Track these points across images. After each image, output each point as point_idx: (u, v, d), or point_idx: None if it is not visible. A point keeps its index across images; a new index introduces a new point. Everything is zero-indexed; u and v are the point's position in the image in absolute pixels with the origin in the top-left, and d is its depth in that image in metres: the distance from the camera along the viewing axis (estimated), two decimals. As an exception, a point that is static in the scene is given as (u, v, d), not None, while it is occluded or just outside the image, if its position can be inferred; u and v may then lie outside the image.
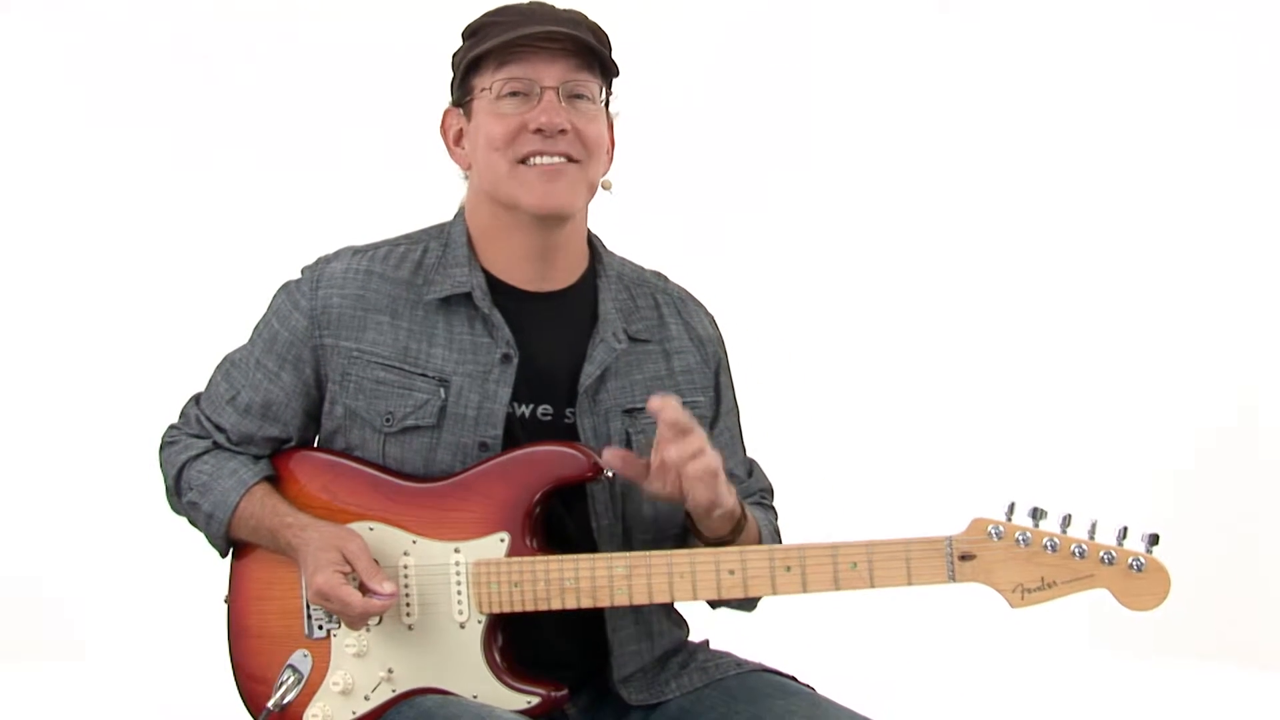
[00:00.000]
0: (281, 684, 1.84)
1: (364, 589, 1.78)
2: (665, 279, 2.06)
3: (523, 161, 1.84)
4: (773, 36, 4.48)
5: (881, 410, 4.40)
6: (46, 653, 3.92)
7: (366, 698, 1.85)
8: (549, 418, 1.89)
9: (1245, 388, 4.22)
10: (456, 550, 1.83)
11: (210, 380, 2.02)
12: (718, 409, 2.02)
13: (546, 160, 1.83)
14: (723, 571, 1.78)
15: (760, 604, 1.96)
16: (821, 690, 1.91)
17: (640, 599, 1.80)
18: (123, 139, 4.28)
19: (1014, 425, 4.34)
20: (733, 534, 1.85)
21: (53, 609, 4.07)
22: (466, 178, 1.96)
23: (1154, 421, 4.26)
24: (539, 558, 1.81)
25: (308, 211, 4.15)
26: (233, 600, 1.96)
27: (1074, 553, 1.71)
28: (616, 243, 2.04)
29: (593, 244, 2.00)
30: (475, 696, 1.82)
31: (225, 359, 2.01)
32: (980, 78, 4.44)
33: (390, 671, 1.85)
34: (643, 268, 2.06)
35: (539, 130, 1.82)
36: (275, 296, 1.97)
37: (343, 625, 1.84)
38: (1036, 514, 1.73)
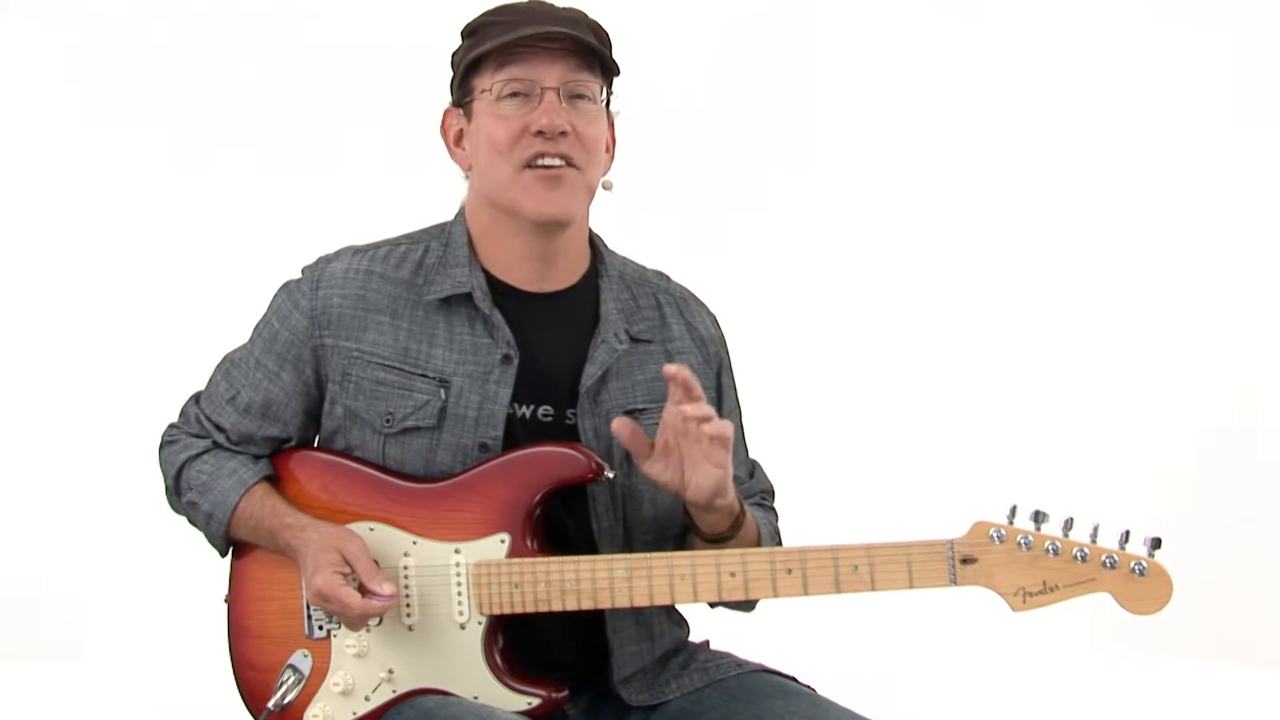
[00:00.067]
0: (282, 684, 1.84)
1: (364, 590, 1.78)
2: (667, 278, 2.06)
3: (527, 166, 1.83)
4: (773, 36, 4.48)
5: (883, 412, 4.39)
6: (46, 653, 3.92)
7: (367, 698, 1.85)
8: (550, 419, 1.89)
9: (1245, 388, 4.22)
10: (457, 551, 1.83)
11: (210, 379, 2.02)
12: (720, 410, 2.01)
13: (548, 162, 1.83)
14: (724, 574, 1.78)
15: (760, 605, 1.96)
16: (822, 691, 1.91)
17: (641, 601, 1.79)
18: (123, 139, 4.28)
19: (1015, 426, 4.34)
20: (731, 530, 1.85)
21: (53, 609, 4.07)
22: (467, 178, 1.96)
23: (1154, 422, 4.26)
24: (539, 559, 1.81)
25: (308, 211, 4.14)
26: (233, 600, 1.95)
27: (1076, 556, 1.71)
28: (617, 242, 2.04)
29: (594, 243, 2.00)
30: (476, 697, 1.81)
31: (225, 358, 2.01)
32: (980, 78, 4.44)
33: (391, 672, 1.85)
34: (644, 267, 2.05)
35: (540, 132, 1.82)
36: (276, 296, 1.97)
37: (343, 626, 1.84)
38: (1038, 517, 1.73)
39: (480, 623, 1.82)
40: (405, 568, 1.84)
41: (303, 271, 1.96)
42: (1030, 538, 1.72)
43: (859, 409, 4.40)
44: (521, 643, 1.86)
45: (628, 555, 1.82)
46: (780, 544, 1.98)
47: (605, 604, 1.80)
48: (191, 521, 2.00)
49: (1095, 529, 1.71)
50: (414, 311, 1.90)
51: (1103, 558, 1.70)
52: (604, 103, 1.91)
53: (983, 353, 4.38)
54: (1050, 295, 4.40)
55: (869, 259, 4.47)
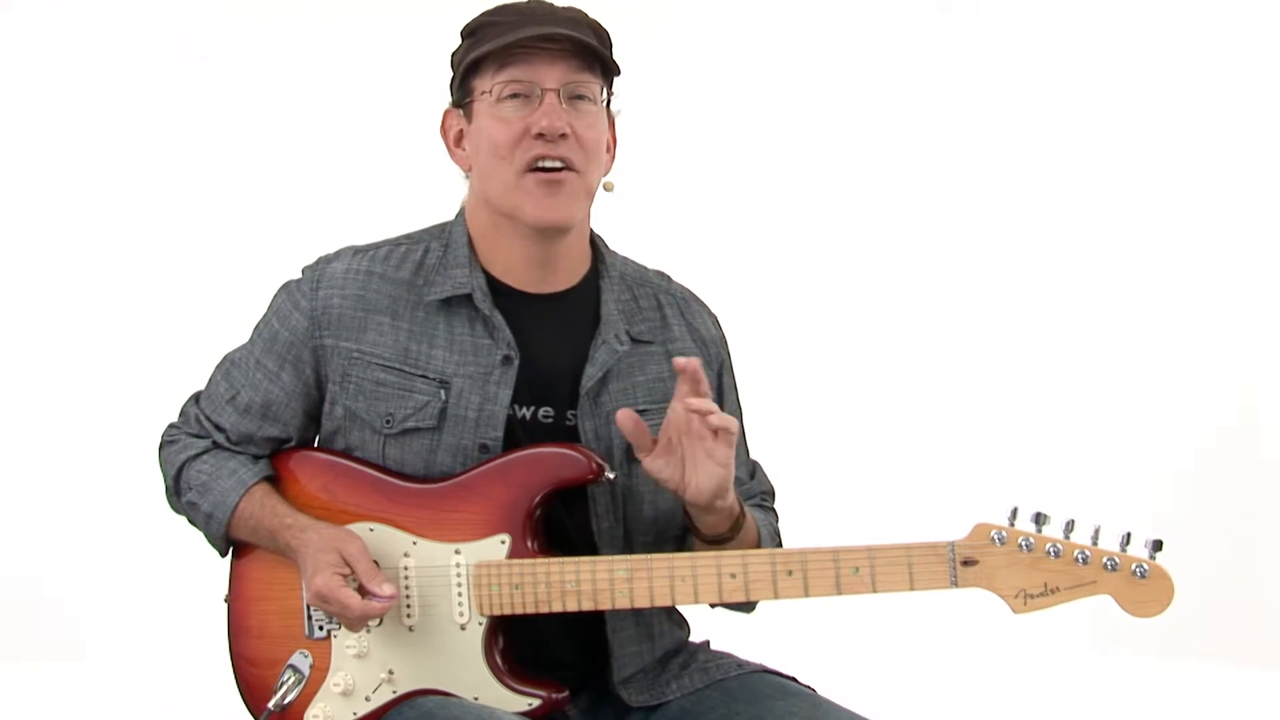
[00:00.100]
0: (282, 684, 1.84)
1: (363, 591, 1.78)
2: (668, 279, 2.06)
3: (528, 170, 1.83)
4: (773, 36, 4.48)
5: (883, 414, 4.39)
6: (46, 653, 3.92)
7: (367, 699, 1.85)
8: (550, 420, 1.89)
9: (1245, 388, 4.22)
10: (457, 552, 1.83)
11: (210, 379, 2.02)
12: (721, 410, 2.01)
13: (549, 164, 1.82)
14: (724, 575, 1.78)
15: (761, 606, 1.95)
16: (822, 691, 1.91)
17: (641, 602, 1.79)
18: (123, 139, 4.28)
19: (1016, 428, 4.34)
20: (731, 532, 1.85)
21: (53, 609, 4.07)
22: (467, 178, 1.96)
23: (1154, 422, 4.26)
24: (540, 560, 1.81)
25: (308, 211, 4.14)
26: (233, 600, 1.95)
27: (1077, 559, 1.71)
28: (618, 242, 2.04)
29: (595, 244, 1.99)
30: (476, 698, 1.81)
31: (225, 358, 2.01)
32: (980, 78, 4.44)
33: (391, 673, 1.85)
34: (645, 268, 2.05)
35: (540, 135, 1.81)
36: (276, 296, 1.97)
37: (343, 626, 1.84)
38: (1039, 519, 1.72)
39: (480, 623, 1.82)
40: (405, 568, 1.84)
41: (303, 272, 1.96)
42: (1031, 540, 1.72)
43: (860, 410, 4.40)
44: (522, 643, 1.86)
45: (628, 556, 1.82)
46: (780, 545, 1.98)
47: (605, 605, 1.80)
48: (191, 521, 2.00)
49: (1096, 531, 1.71)
50: (414, 312, 1.90)
51: (1104, 560, 1.70)
52: (604, 103, 1.90)
53: (983, 354, 4.38)
54: (1050, 296, 4.40)
55: (869, 259, 4.47)
